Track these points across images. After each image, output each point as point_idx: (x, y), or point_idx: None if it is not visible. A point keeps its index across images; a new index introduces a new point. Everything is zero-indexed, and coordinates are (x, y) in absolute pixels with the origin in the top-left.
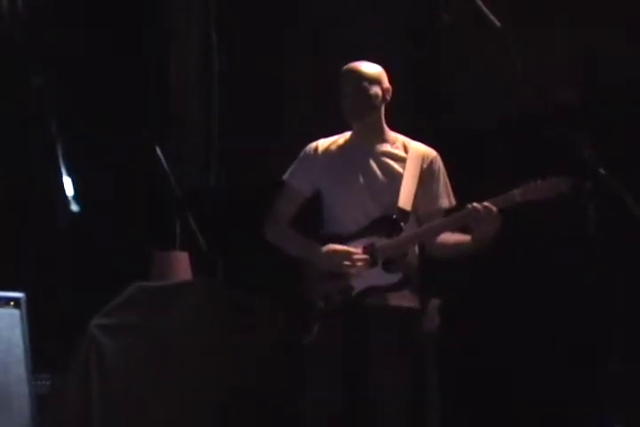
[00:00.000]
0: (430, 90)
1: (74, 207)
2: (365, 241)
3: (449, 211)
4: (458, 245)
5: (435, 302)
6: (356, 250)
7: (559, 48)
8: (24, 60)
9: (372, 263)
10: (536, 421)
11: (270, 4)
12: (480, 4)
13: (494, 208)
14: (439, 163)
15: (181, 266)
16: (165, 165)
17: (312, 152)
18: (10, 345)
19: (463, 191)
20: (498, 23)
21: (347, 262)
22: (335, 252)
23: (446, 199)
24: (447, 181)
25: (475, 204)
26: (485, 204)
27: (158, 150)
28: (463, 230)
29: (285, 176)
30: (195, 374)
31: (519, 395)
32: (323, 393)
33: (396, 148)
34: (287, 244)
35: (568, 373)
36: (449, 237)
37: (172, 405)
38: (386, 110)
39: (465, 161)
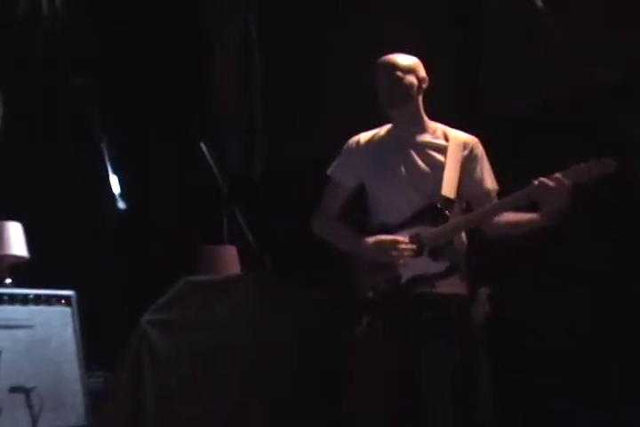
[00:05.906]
0: (472, 77)
1: (121, 205)
2: (411, 231)
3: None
4: (520, 223)
5: (484, 290)
6: (402, 239)
7: (600, 28)
8: (67, 59)
9: (418, 252)
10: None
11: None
12: None
13: (566, 181)
14: (480, 148)
15: (229, 260)
16: (211, 160)
17: (354, 145)
18: (62, 343)
19: (505, 179)
20: (540, 2)
21: (394, 252)
22: (382, 242)
23: (490, 182)
24: (488, 165)
25: (542, 178)
26: (557, 175)
27: (203, 146)
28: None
29: (330, 170)
30: (247, 369)
31: (572, 382)
32: (378, 384)
33: (437, 137)
34: (334, 237)
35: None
36: (509, 216)
37: (224, 399)
38: (424, 100)
39: (506, 148)
